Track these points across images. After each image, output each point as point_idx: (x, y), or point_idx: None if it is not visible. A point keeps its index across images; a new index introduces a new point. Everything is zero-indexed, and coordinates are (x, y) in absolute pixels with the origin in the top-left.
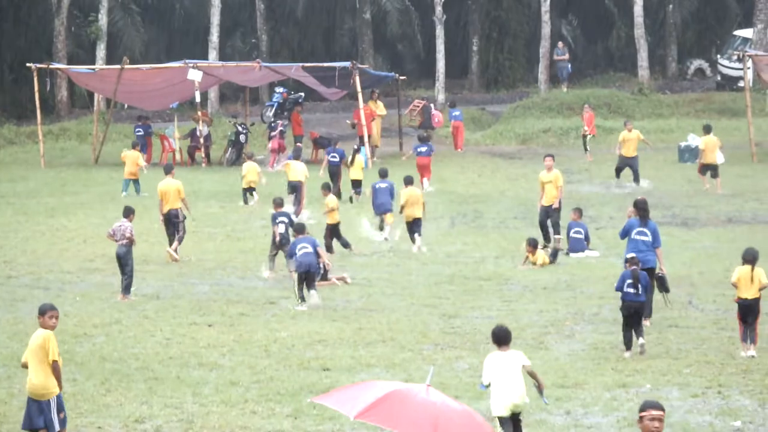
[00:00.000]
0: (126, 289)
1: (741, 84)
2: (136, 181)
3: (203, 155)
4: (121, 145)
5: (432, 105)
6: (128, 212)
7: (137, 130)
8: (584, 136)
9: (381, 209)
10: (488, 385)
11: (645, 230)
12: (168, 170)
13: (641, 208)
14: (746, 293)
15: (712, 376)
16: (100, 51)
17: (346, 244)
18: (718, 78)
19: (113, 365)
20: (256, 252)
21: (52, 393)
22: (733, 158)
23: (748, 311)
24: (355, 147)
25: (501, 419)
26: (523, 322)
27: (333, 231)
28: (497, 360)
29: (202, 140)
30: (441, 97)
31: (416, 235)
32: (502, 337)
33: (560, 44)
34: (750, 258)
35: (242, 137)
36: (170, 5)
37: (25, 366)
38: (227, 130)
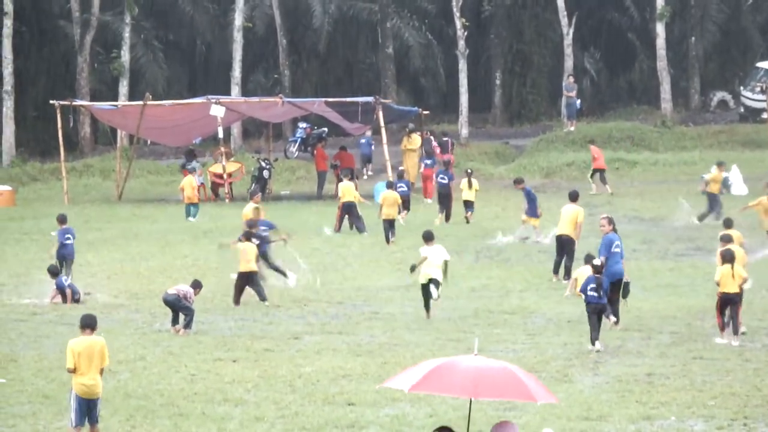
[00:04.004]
0: (188, 324)
1: (764, 116)
2: (195, 206)
3: (226, 191)
4: (145, 181)
5: (432, 137)
6: (196, 285)
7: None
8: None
9: None
10: (421, 261)
11: (620, 243)
12: (253, 194)
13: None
14: (729, 288)
15: (738, 407)
16: (123, 87)
17: (263, 298)
18: (741, 110)
19: (138, 401)
20: (280, 287)
21: (100, 393)
22: (756, 190)
23: (731, 303)
24: (468, 171)
25: (423, 285)
26: (548, 355)
27: (248, 279)
28: (427, 250)
29: (225, 176)
30: (464, 131)
31: (390, 234)
32: (429, 237)
33: (570, 79)
34: (729, 258)
35: (266, 173)
36: (192, 41)
37: (71, 371)
38: (251, 166)
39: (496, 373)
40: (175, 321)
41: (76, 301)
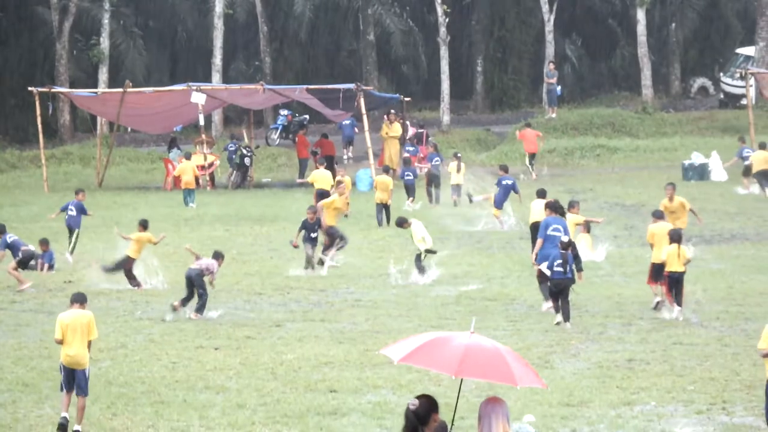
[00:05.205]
0: (200, 309)
1: (744, 102)
2: (191, 192)
3: (208, 179)
4: (125, 169)
5: (407, 123)
6: (217, 255)
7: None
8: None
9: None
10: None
11: (558, 226)
12: (338, 185)
13: (556, 207)
14: (674, 267)
15: (717, 392)
16: (103, 74)
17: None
18: (721, 96)
19: (119, 389)
20: (262, 275)
21: (86, 364)
22: (736, 175)
23: (676, 282)
24: (458, 154)
25: (427, 250)
26: (529, 342)
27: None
28: (421, 225)
29: (206, 164)
30: (446, 118)
31: (383, 218)
32: (402, 222)
33: (551, 66)
34: (676, 238)
35: (247, 160)
36: (173, 28)
37: (59, 342)
38: (232, 154)
39: (485, 353)
40: (185, 302)
41: (23, 263)
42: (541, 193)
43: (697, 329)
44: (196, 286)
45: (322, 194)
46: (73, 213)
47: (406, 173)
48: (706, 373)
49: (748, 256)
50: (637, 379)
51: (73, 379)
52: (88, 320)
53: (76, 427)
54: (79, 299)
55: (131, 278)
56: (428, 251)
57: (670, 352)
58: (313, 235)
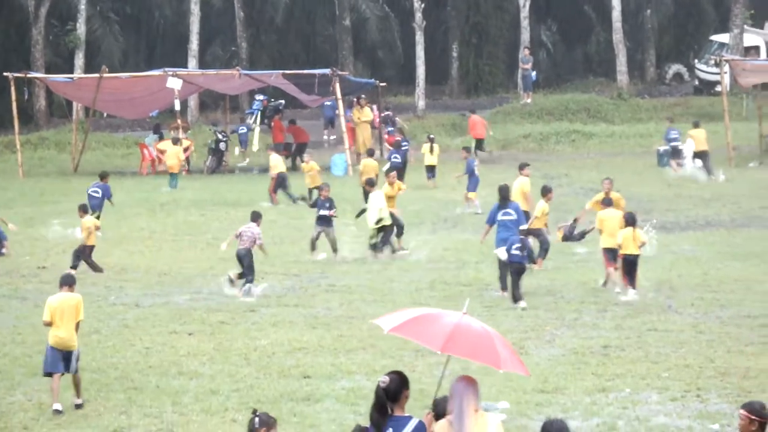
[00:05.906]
0: (250, 281)
1: (718, 88)
2: (174, 175)
3: (183, 164)
4: (101, 154)
5: (374, 106)
6: (256, 217)
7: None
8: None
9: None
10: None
11: (509, 210)
12: (388, 172)
13: (502, 192)
14: (630, 250)
15: (691, 379)
16: (79, 60)
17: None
18: (696, 82)
19: (92, 375)
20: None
21: (75, 345)
22: (711, 162)
23: (631, 264)
24: (431, 136)
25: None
26: (504, 327)
27: (87, 251)
28: (379, 196)
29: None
30: (421, 103)
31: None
32: (372, 183)
33: (525, 51)
34: (631, 221)
35: (222, 145)
36: (149, 13)
37: (47, 324)
38: (207, 138)
39: (473, 333)
40: (241, 276)
41: None
42: (523, 167)
43: (672, 316)
44: (244, 266)
45: (283, 177)
46: (98, 195)
47: (393, 155)
48: (680, 360)
49: (722, 243)
50: (612, 366)
51: (62, 361)
52: (76, 302)
53: (78, 401)
54: (68, 281)
55: (94, 268)
56: (379, 221)
57: (645, 339)
58: (322, 212)
